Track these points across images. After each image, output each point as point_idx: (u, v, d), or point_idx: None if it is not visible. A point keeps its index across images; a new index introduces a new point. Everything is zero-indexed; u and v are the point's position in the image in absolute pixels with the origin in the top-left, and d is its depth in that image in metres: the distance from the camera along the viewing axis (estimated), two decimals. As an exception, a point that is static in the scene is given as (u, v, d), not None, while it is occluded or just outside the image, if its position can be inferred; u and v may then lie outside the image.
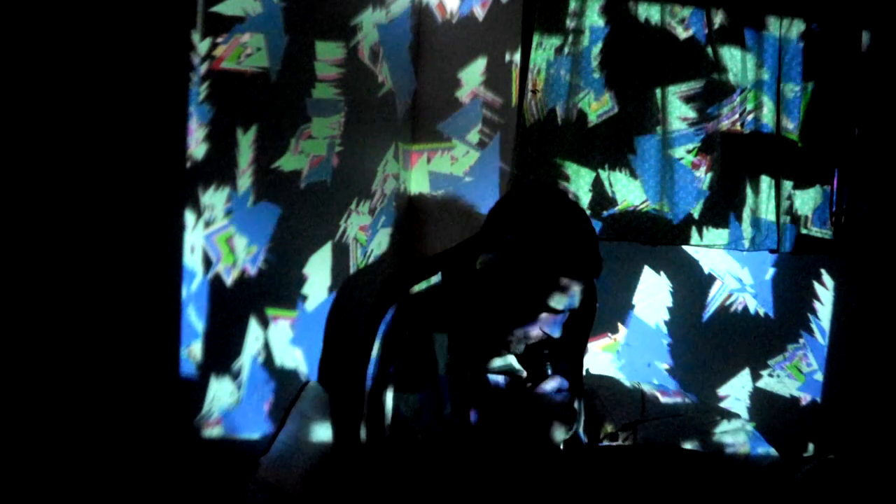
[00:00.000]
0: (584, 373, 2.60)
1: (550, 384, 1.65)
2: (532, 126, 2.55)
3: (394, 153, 2.49)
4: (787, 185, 2.53)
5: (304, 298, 1.97)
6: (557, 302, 1.64)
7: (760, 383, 2.63)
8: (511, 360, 1.74)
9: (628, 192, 2.56)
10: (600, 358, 2.67)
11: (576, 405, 1.82)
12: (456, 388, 1.66)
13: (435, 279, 1.72)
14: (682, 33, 2.52)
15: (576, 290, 1.64)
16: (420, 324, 1.65)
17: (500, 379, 1.73)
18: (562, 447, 1.75)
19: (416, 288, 1.71)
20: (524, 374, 1.74)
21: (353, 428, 1.69)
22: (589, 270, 1.67)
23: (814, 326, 2.60)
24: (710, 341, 2.63)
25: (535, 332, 1.66)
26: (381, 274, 2.38)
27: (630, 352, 2.66)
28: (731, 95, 2.52)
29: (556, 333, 1.65)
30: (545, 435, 1.65)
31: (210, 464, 1.62)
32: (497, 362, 1.73)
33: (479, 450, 1.64)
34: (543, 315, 1.65)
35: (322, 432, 1.91)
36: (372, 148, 2.34)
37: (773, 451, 2.31)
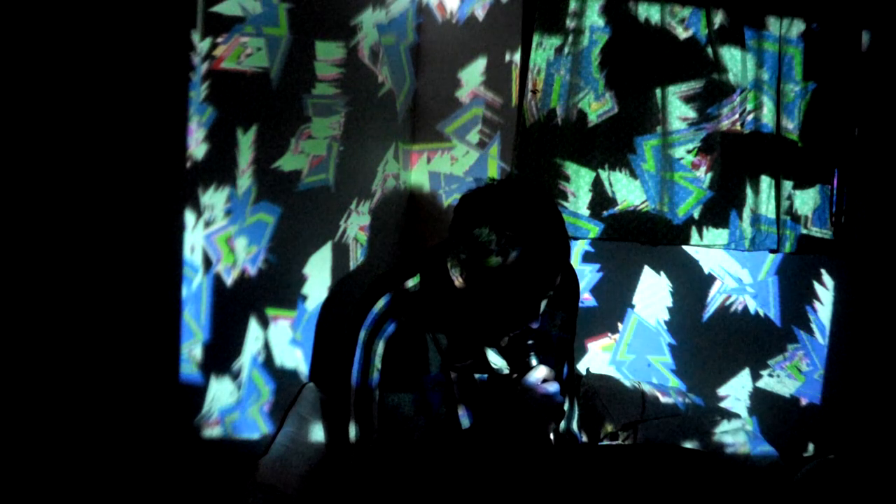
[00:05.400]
0: (580, 370, 2.60)
1: (536, 374, 1.64)
2: (532, 126, 2.55)
3: (394, 153, 2.49)
4: (787, 185, 2.53)
5: (304, 298, 1.97)
6: (543, 303, 1.64)
7: (760, 383, 2.63)
8: (493, 358, 1.73)
9: (628, 192, 2.56)
10: (600, 358, 2.67)
11: (566, 400, 1.82)
12: (446, 388, 1.65)
13: (417, 279, 1.70)
14: (682, 33, 2.52)
15: (556, 280, 1.63)
16: (410, 318, 1.64)
17: (485, 377, 1.72)
18: (553, 439, 1.74)
19: (409, 283, 1.70)
20: (507, 371, 1.73)
21: (343, 427, 1.68)
22: (566, 258, 1.65)
23: (814, 326, 2.60)
24: (710, 341, 2.63)
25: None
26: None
27: (630, 351, 2.66)
28: (731, 95, 2.52)
29: (536, 324, 1.64)
30: (535, 427, 1.64)
31: (210, 464, 1.62)
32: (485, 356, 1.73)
33: (472, 448, 1.63)
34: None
35: (320, 433, 1.91)
36: (372, 148, 2.33)
37: (773, 451, 2.31)
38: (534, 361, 1.66)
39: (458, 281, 1.63)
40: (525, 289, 1.59)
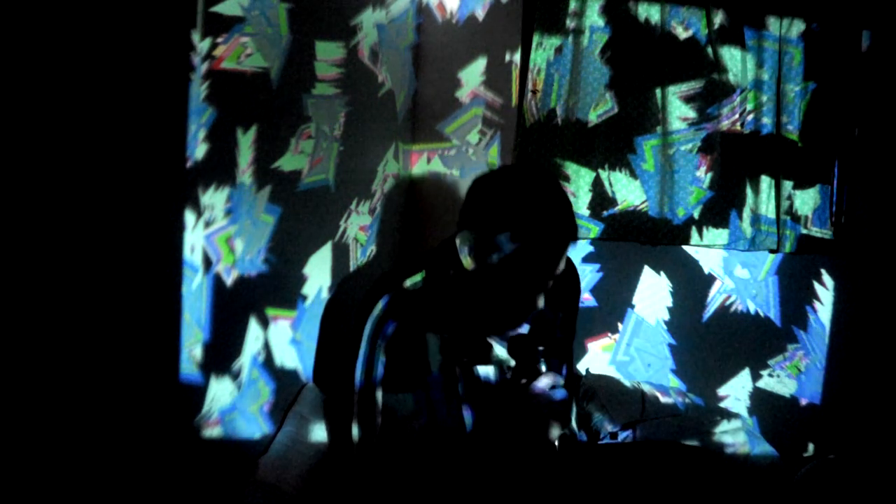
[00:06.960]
0: (580, 370, 2.60)
1: (544, 381, 1.65)
2: (532, 126, 2.55)
3: (394, 153, 2.49)
4: (787, 184, 2.53)
5: (304, 298, 1.97)
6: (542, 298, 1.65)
7: (760, 383, 2.63)
8: (498, 349, 1.74)
9: (628, 192, 2.56)
10: (600, 358, 2.67)
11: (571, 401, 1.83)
12: (448, 387, 1.66)
13: (420, 277, 1.72)
14: (682, 33, 2.52)
15: (560, 266, 1.65)
16: (410, 318, 1.65)
17: (489, 373, 1.73)
18: (557, 444, 1.75)
19: (409, 282, 1.71)
20: (512, 362, 1.74)
21: (345, 427, 1.69)
22: (572, 242, 1.67)
23: (814, 326, 2.60)
24: (710, 341, 2.63)
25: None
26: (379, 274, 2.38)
27: (630, 351, 2.66)
28: (731, 95, 2.52)
29: (541, 304, 1.66)
30: (541, 432, 1.65)
31: (210, 464, 1.62)
32: (489, 352, 1.74)
33: (474, 448, 1.63)
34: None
35: (320, 433, 1.91)
36: (372, 148, 2.34)
37: (773, 451, 2.31)
38: (543, 368, 1.68)
39: (466, 261, 1.65)
40: (532, 276, 1.62)
